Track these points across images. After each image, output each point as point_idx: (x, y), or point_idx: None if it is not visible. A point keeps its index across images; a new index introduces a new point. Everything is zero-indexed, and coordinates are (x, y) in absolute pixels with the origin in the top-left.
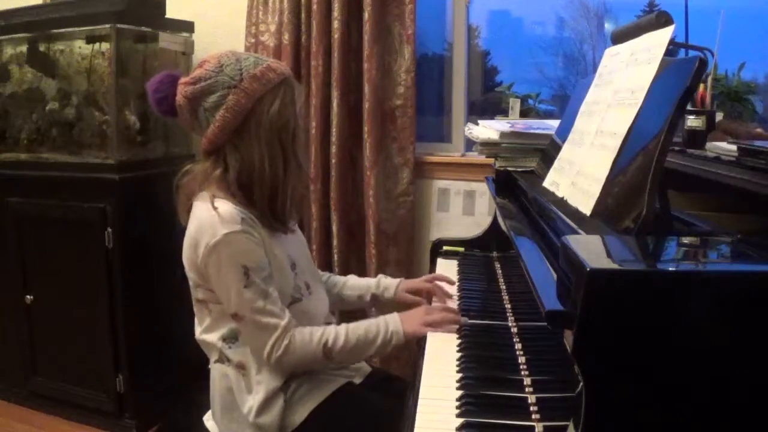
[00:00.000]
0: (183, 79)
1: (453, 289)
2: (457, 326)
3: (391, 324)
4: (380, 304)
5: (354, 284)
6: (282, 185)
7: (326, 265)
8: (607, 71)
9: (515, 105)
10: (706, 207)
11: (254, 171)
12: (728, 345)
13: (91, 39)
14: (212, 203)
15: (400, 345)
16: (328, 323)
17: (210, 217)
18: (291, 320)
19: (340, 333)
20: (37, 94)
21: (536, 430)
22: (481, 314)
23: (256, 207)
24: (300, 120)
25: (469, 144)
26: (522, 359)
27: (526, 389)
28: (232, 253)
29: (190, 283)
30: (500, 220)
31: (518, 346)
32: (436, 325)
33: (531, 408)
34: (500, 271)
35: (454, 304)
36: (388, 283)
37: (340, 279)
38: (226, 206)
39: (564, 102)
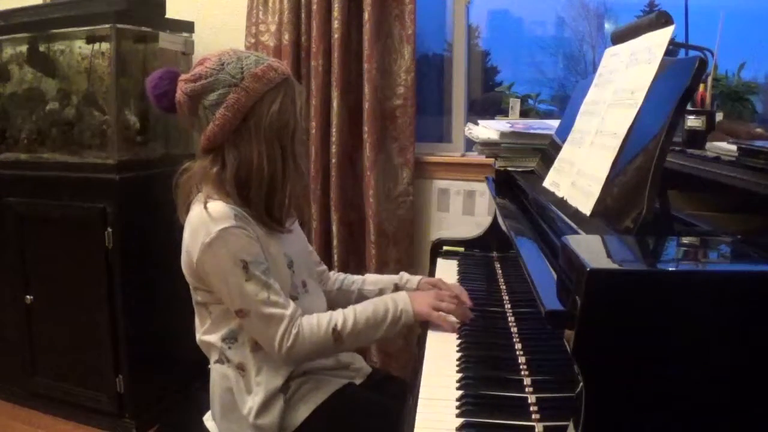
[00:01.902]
0: (183, 76)
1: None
2: (460, 322)
3: (400, 302)
4: None
5: (374, 279)
6: (280, 185)
7: (326, 266)
8: (607, 71)
9: (515, 105)
10: (706, 207)
11: (252, 170)
12: (728, 345)
13: (91, 39)
14: (204, 204)
15: (410, 324)
16: None
17: (202, 218)
18: (296, 308)
19: (348, 315)
20: (37, 94)
21: (536, 430)
22: (481, 314)
23: (252, 206)
24: (300, 120)
25: (469, 144)
26: (522, 359)
27: (526, 389)
28: (229, 249)
29: (190, 286)
30: (500, 220)
31: (518, 346)
32: (446, 312)
33: (531, 408)
34: (500, 271)
35: None
36: (410, 278)
37: (357, 277)
38: (217, 205)
39: (564, 102)
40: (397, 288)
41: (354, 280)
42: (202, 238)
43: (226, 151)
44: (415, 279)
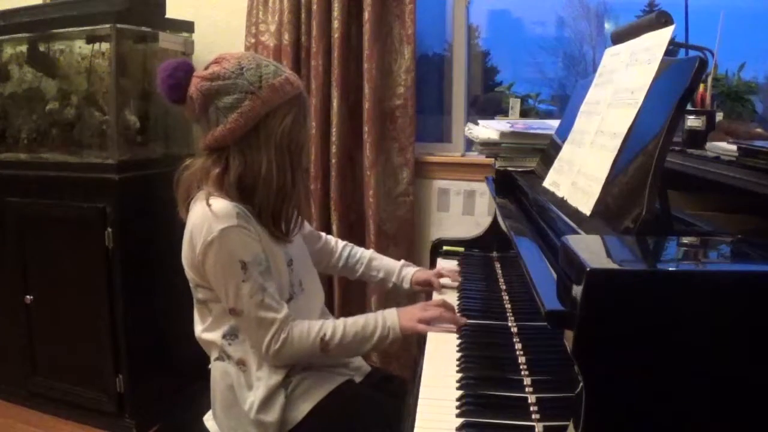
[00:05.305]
0: (199, 72)
1: (454, 287)
2: (454, 326)
3: (388, 319)
4: (397, 292)
5: (379, 266)
6: (289, 197)
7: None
8: (607, 71)
9: (515, 105)
10: (706, 207)
11: (259, 178)
12: (728, 345)
13: (91, 39)
14: (207, 201)
15: (397, 340)
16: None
17: (205, 215)
18: (289, 314)
19: (337, 327)
20: (37, 94)
21: (536, 430)
22: (481, 314)
23: (256, 214)
24: (309, 136)
25: (469, 144)
26: (522, 359)
27: (526, 389)
28: (229, 249)
29: (191, 283)
30: (500, 220)
31: (518, 346)
32: (430, 323)
33: (531, 408)
34: (500, 271)
35: (454, 302)
36: (406, 273)
37: (364, 254)
38: (220, 202)
39: (564, 102)
40: (394, 286)
41: (358, 259)
42: (204, 236)
43: (231, 154)
44: (410, 273)
